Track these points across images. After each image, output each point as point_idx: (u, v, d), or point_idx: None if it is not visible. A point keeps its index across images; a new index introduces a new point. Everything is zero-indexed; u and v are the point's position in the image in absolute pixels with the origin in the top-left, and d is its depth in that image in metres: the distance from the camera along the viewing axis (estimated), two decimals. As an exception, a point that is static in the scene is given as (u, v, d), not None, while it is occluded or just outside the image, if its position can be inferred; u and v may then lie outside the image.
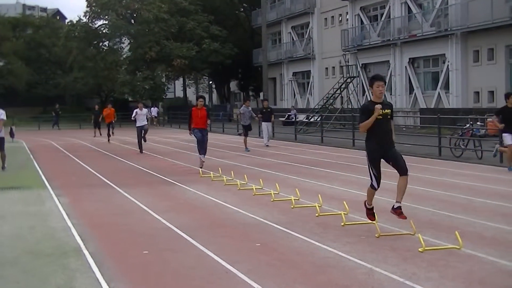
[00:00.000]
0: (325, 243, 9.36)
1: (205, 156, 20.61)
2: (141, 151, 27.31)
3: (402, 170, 9.88)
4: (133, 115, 27.83)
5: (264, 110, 30.56)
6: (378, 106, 9.78)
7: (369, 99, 10.50)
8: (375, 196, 10.42)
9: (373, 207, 10.41)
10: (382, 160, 10.10)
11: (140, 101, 31.86)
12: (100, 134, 41.85)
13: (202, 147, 20.23)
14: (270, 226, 10.76)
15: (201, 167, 19.74)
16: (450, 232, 9.63)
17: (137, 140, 27.83)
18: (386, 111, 9.94)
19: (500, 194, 14.05)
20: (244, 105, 30.87)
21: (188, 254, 8.95)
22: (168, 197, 14.64)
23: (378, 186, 10.26)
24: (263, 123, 30.74)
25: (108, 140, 36.18)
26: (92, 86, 73.99)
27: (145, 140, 28.10)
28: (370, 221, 10.46)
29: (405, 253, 8.68)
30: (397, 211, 10.00)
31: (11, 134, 27.90)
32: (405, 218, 9.95)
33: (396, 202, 10.03)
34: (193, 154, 25.98)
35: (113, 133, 37.54)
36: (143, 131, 27.50)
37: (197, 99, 20.86)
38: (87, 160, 24.66)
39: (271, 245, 9.36)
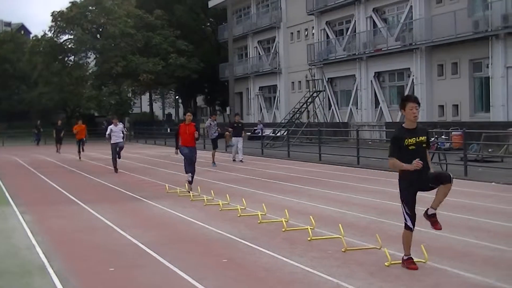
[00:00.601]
0: (292, 258, 9.35)
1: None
2: (115, 170, 25.22)
3: (446, 179, 8.51)
4: (107, 132, 25.54)
5: (235, 125, 30.41)
6: (418, 164, 8.38)
7: (400, 126, 9.01)
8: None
9: (411, 256, 8.77)
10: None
11: (114, 117, 28.67)
12: (59, 152, 40.78)
13: (190, 166, 18.19)
14: (237, 242, 10.73)
15: (189, 191, 17.78)
16: (416, 245, 9.66)
17: (111, 157, 25.71)
18: (421, 138, 8.71)
19: (465, 207, 14.17)
20: (210, 118, 30.83)
21: (154, 270, 8.88)
22: (134, 213, 14.54)
23: (414, 226, 8.81)
24: (233, 138, 30.22)
25: (79, 157, 34.31)
26: (58, 101, 73.38)
27: (119, 157, 25.95)
28: (336, 236, 10.46)
29: (371, 267, 8.70)
30: (432, 218, 8.90)
31: None
32: (440, 228, 8.88)
33: (431, 208, 8.86)
34: (160, 170, 25.87)
35: (83, 149, 35.56)
36: (117, 148, 25.48)
37: (184, 114, 19.87)
38: (52, 176, 24.41)
39: (238, 261, 9.33)
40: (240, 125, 30.49)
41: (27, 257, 9.96)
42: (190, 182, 18.10)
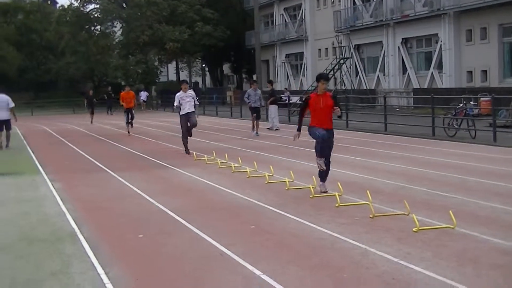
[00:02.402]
0: (319, 224, 9.37)
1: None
2: (187, 151, 20.09)
3: None
4: (176, 102, 19.95)
5: (271, 93, 30.24)
6: None
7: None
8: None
9: None
10: None
11: (185, 81, 21.32)
12: (92, 122, 39.42)
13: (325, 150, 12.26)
14: (264, 208, 10.77)
15: (323, 191, 12.04)
16: (444, 211, 9.65)
17: (181, 135, 20.59)
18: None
19: (494, 173, 14.09)
20: (251, 87, 28.82)
21: (182, 237, 8.96)
22: (163, 181, 14.63)
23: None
24: (271, 106, 29.77)
25: (128, 131, 29.63)
26: (85, 70, 73.66)
27: (190, 135, 20.45)
28: (364, 202, 10.47)
29: (399, 233, 8.70)
30: None
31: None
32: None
33: None
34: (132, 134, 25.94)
35: (132, 122, 30.24)
36: (189, 122, 20.15)
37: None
38: (80, 145, 24.59)
39: (265, 227, 9.37)
40: (271, 92, 30.29)
41: (57, 224, 10.09)
42: (323, 177, 12.30)
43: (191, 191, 12.96)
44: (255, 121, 27.01)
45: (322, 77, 12.35)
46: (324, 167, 12.10)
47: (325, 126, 12.04)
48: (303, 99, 12.45)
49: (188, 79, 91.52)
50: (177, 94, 19.99)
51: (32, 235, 9.43)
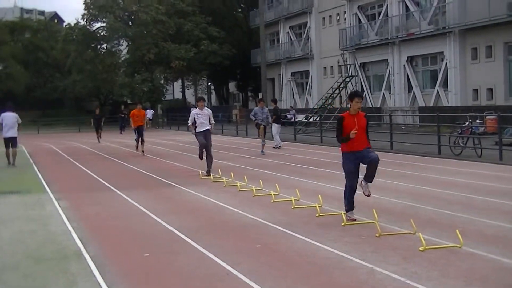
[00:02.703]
0: (326, 243, 9.35)
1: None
2: (208, 173, 18.91)
3: None
4: (190, 119, 19.12)
5: (274, 111, 30.20)
6: None
7: None
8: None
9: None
10: None
11: (201, 98, 20.24)
12: (99, 141, 38.93)
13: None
14: (271, 227, 10.76)
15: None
16: (450, 230, 9.63)
17: (198, 153, 19.77)
18: None
19: (500, 191, 14.05)
20: (259, 105, 28.27)
21: (189, 256, 8.95)
22: (169, 200, 14.63)
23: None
24: (274, 124, 29.59)
25: (137, 148, 29.05)
26: (91, 89, 73.88)
27: (210, 157, 19.48)
28: (370, 221, 10.44)
29: (405, 252, 8.68)
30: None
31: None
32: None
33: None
34: (193, 156, 25.94)
35: (142, 140, 28.53)
36: (205, 139, 19.17)
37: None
38: (86, 163, 24.64)
39: (272, 246, 9.36)
40: (274, 110, 30.32)
41: (63, 243, 10.09)
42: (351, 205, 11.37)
43: (197, 210, 12.95)
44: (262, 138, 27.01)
45: (357, 95, 11.20)
46: (368, 193, 11.37)
47: (361, 148, 11.05)
48: (337, 120, 11.26)
49: (193, 98, 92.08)
50: (193, 111, 19.27)
51: (38, 253, 9.44)
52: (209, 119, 19.22)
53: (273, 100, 33.01)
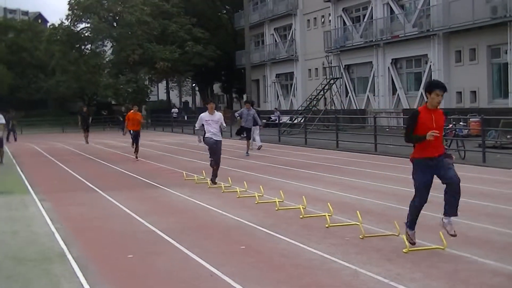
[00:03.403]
0: (309, 245, 9.35)
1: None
2: (213, 181, 17.20)
3: None
4: (198, 123, 17.33)
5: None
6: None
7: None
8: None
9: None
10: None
11: (210, 100, 18.32)
12: (87, 142, 37.80)
13: None
14: (255, 229, 10.75)
15: None
16: (434, 232, 9.66)
17: (209, 162, 17.74)
18: None
19: (483, 193, 14.12)
20: (245, 107, 28.36)
21: (172, 257, 8.93)
22: (152, 201, 14.59)
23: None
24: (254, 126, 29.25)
25: (136, 156, 26.05)
26: (75, 89, 73.64)
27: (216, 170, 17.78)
28: (354, 223, 10.45)
29: (389, 254, 8.70)
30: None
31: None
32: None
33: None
34: (177, 157, 25.94)
35: (137, 146, 26.18)
36: (216, 145, 17.42)
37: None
38: (70, 164, 24.54)
39: (256, 248, 9.35)
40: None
41: (46, 244, 10.03)
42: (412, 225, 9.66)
43: (181, 211, 12.93)
44: (247, 141, 27.22)
45: (438, 86, 8.87)
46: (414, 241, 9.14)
47: (437, 154, 9.09)
48: (410, 115, 9.11)
49: (178, 99, 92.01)
50: (202, 115, 17.35)
51: (21, 254, 9.38)
52: (221, 125, 17.22)
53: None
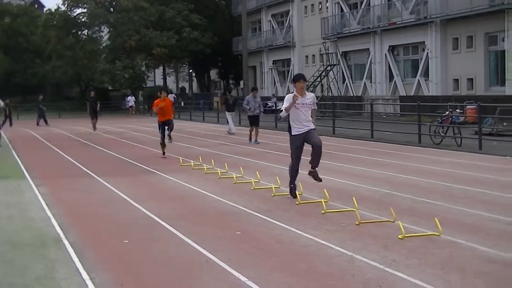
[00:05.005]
0: (305, 231, 9.36)
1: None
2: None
3: None
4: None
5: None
6: None
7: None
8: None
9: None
10: None
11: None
12: (95, 129, 35.22)
13: None
14: (251, 215, 10.76)
15: None
16: (429, 219, 9.67)
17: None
18: None
19: (479, 180, 14.13)
20: (251, 95, 27.15)
21: (168, 243, 8.93)
22: (149, 186, 14.59)
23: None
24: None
25: (163, 152, 20.85)
26: (72, 75, 73.42)
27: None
28: (350, 209, 10.46)
29: (385, 240, 8.71)
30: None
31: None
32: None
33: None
34: (173, 143, 25.89)
35: (170, 137, 20.95)
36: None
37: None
38: (66, 149, 24.49)
39: (252, 234, 9.36)
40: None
41: (42, 229, 10.03)
42: None
43: (177, 197, 12.93)
44: (255, 130, 25.91)
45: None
46: None
47: None
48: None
49: (175, 85, 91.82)
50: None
51: (17, 239, 9.38)
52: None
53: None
